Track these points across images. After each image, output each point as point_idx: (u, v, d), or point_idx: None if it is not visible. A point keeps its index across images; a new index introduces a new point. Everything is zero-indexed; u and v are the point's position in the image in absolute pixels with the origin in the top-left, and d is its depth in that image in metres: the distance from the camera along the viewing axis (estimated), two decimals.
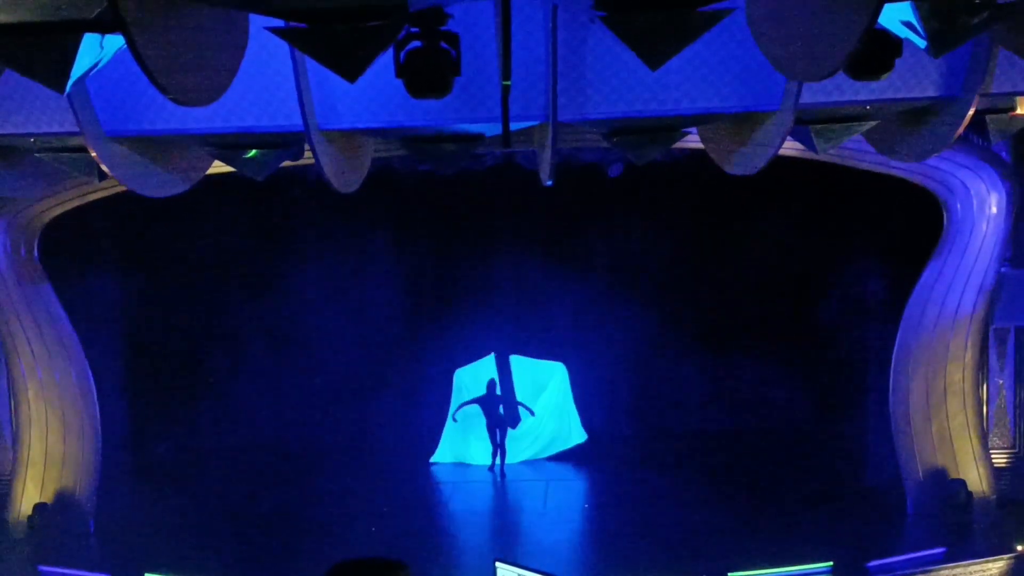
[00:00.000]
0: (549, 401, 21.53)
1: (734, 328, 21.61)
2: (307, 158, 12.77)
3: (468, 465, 21.28)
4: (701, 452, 21.25)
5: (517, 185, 18.40)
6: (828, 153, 13.68)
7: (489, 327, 21.56)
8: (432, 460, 21.28)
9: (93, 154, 11.87)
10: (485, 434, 21.14)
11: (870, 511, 17.99)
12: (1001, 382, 18.38)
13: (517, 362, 21.46)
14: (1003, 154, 16.84)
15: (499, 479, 20.91)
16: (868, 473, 19.32)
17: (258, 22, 7.66)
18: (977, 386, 17.83)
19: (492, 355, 21.31)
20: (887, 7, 6.86)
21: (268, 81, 11.56)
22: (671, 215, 21.16)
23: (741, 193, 17.48)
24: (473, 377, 21.36)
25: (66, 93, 8.87)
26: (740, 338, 21.58)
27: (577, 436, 21.52)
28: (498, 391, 21.09)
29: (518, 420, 21.25)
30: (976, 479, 17.58)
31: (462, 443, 21.37)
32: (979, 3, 7.09)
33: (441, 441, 21.39)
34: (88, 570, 16.21)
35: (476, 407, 21.00)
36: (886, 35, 7.98)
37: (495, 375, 21.28)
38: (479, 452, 21.30)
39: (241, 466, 21.05)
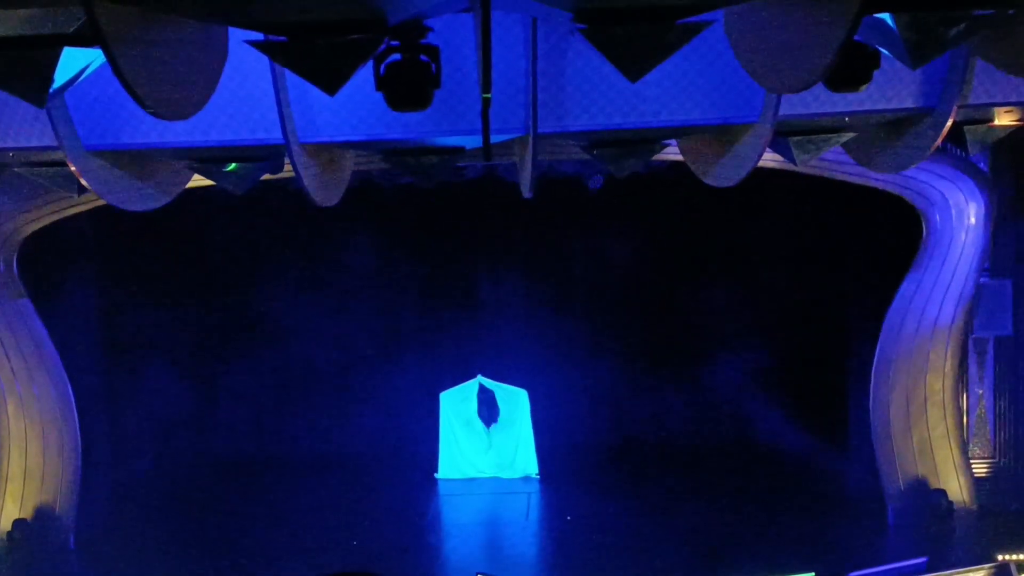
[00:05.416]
0: (508, 425, 21.46)
1: (715, 339, 21.66)
2: (287, 171, 12.77)
3: (452, 480, 21.22)
4: (682, 464, 21.26)
5: (498, 197, 18.42)
6: (807, 165, 13.73)
7: (470, 341, 21.58)
8: (437, 476, 21.27)
9: (72, 168, 11.84)
10: (480, 446, 21.26)
11: (851, 521, 18.00)
12: (981, 392, 18.44)
13: (484, 384, 21.43)
14: (981, 165, 16.92)
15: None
16: (849, 483, 19.36)
17: (238, 36, 7.66)
18: (957, 396, 17.88)
19: (479, 376, 21.31)
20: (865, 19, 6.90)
21: (248, 95, 11.57)
22: (651, 226, 21.19)
23: (721, 205, 17.52)
24: (458, 398, 21.35)
25: (45, 107, 8.87)
26: (721, 349, 21.62)
27: (531, 468, 21.42)
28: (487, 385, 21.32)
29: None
30: (957, 489, 17.63)
31: (461, 457, 21.35)
32: (957, 15, 7.14)
33: (440, 457, 21.37)
34: None
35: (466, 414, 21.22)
36: (864, 47, 8.02)
37: (479, 394, 21.34)
38: (478, 464, 21.33)
39: (222, 480, 20.98)
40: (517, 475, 21.28)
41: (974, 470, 18.09)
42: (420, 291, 21.93)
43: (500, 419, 21.38)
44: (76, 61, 7.60)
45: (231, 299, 21.59)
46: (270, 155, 12.63)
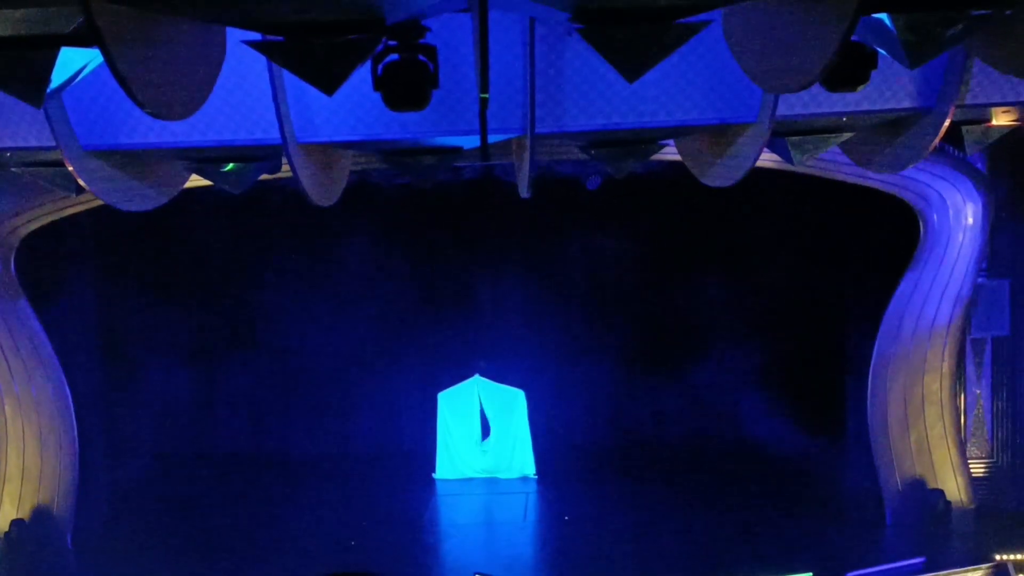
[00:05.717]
0: (505, 426, 21.44)
1: (713, 339, 21.67)
2: (285, 171, 12.76)
3: (449, 480, 21.21)
4: (680, 463, 21.27)
5: (496, 198, 18.42)
6: (805, 165, 13.73)
7: (467, 341, 21.56)
8: (435, 476, 21.25)
9: (70, 168, 11.82)
10: (477, 446, 21.25)
11: (849, 521, 18.02)
12: (978, 392, 18.45)
13: (480, 384, 21.40)
14: (979, 165, 16.93)
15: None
16: (847, 483, 19.36)
17: (235, 36, 7.66)
18: (955, 396, 17.88)
19: (476, 376, 21.31)
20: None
21: (245, 94, 11.55)
22: (650, 226, 21.19)
23: (719, 205, 17.53)
24: (456, 399, 21.33)
25: (42, 107, 8.85)
26: (719, 349, 21.64)
27: (528, 469, 21.41)
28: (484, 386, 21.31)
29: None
30: (954, 489, 17.63)
31: (458, 457, 21.33)
32: (954, 15, 7.14)
33: (438, 457, 21.35)
34: None
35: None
36: (862, 47, 8.02)
37: (479, 392, 21.34)
38: (475, 465, 21.32)
39: (220, 480, 20.96)
40: (514, 475, 21.28)
41: (972, 470, 18.09)
42: (419, 291, 21.90)
43: (497, 419, 21.37)
44: (73, 61, 7.59)
45: (230, 299, 21.58)
46: (268, 155, 12.62)
